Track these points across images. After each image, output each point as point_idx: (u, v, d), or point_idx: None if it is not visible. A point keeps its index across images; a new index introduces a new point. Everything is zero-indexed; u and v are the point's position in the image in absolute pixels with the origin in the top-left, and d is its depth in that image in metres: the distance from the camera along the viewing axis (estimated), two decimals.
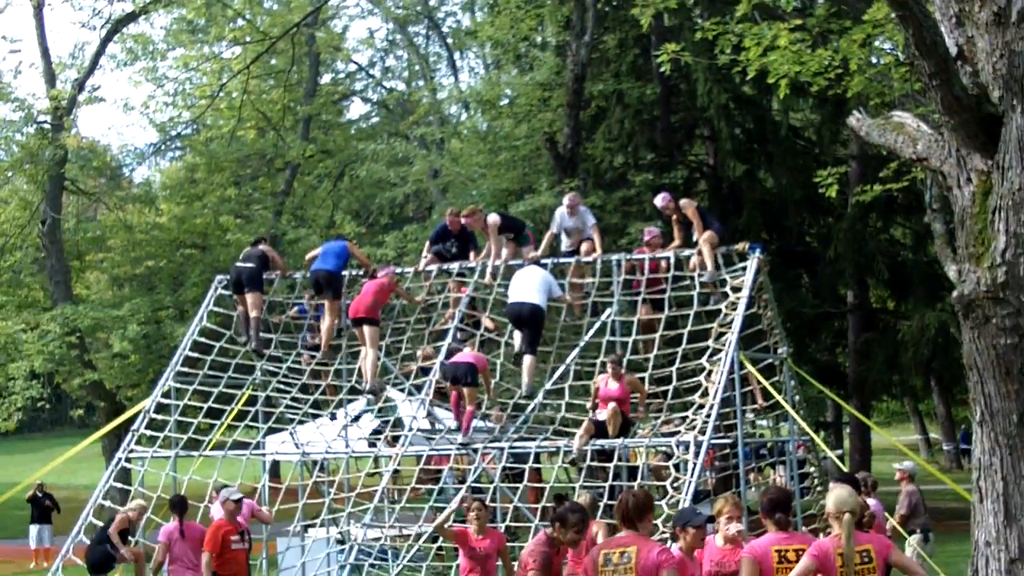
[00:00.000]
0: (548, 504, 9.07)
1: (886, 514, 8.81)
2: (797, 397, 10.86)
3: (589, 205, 12.96)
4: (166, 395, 11.08)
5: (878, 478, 10.04)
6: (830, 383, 16.53)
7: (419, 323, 11.43)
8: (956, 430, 28.57)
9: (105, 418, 18.04)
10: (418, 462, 10.82)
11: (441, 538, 8.82)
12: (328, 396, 11.44)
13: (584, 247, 10.89)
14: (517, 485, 10.01)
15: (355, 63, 29.20)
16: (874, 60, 10.61)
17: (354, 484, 11.00)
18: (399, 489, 10.99)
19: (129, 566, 10.13)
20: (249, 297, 11.13)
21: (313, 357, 11.28)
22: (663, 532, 7.78)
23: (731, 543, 5.25)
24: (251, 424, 11.55)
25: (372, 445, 11.46)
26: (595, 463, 9.58)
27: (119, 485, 11.06)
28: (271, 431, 11.87)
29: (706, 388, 9.51)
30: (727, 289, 10.00)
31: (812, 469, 11.38)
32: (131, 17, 20.93)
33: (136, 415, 11.20)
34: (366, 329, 10.46)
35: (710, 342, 9.77)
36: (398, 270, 11.59)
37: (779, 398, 10.13)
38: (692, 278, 10.33)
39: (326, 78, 26.92)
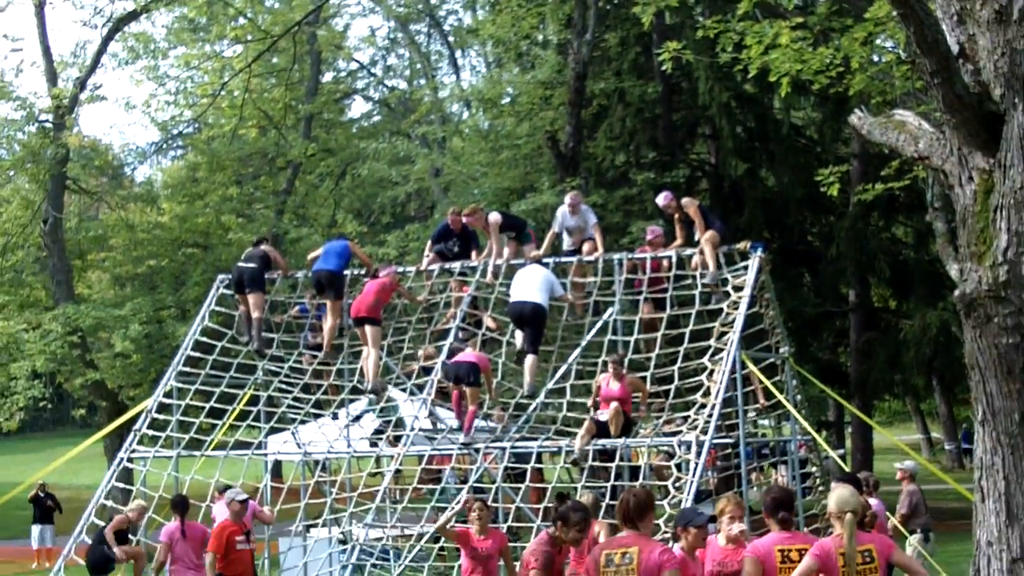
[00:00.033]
0: (550, 504, 9.07)
1: (887, 513, 8.80)
2: (799, 396, 10.88)
3: (591, 204, 12.95)
4: (168, 395, 11.08)
5: (880, 478, 10.03)
6: (832, 382, 16.52)
7: (421, 323, 11.43)
8: (958, 429, 28.57)
9: (107, 418, 18.07)
10: (420, 462, 10.82)
11: (443, 538, 8.82)
12: (330, 396, 11.45)
13: (586, 246, 10.88)
14: (519, 485, 10.01)
15: (357, 61, 29.21)
16: (875, 58, 10.61)
17: (356, 484, 11.00)
18: (401, 489, 11.00)
19: (129, 565, 10.14)
20: (251, 297, 11.13)
21: (315, 357, 11.28)
22: (665, 532, 7.77)
23: (734, 543, 5.24)
24: (253, 424, 11.55)
25: (374, 445, 11.47)
26: (597, 463, 9.57)
27: (121, 485, 11.10)
28: (273, 431, 11.88)
29: (708, 387, 9.52)
30: (729, 288, 10.00)
31: (814, 469, 11.38)
32: (132, 16, 20.93)
33: (138, 415, 11.21)
34: (368, 329, 10.46)
35: (712, 341, 9.78)
36: (400, 269, 11.59)
37: (781, 397, 10.14)
38: (694, 277, 10.32)
39: (328, 76, 26.90)
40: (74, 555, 10.19)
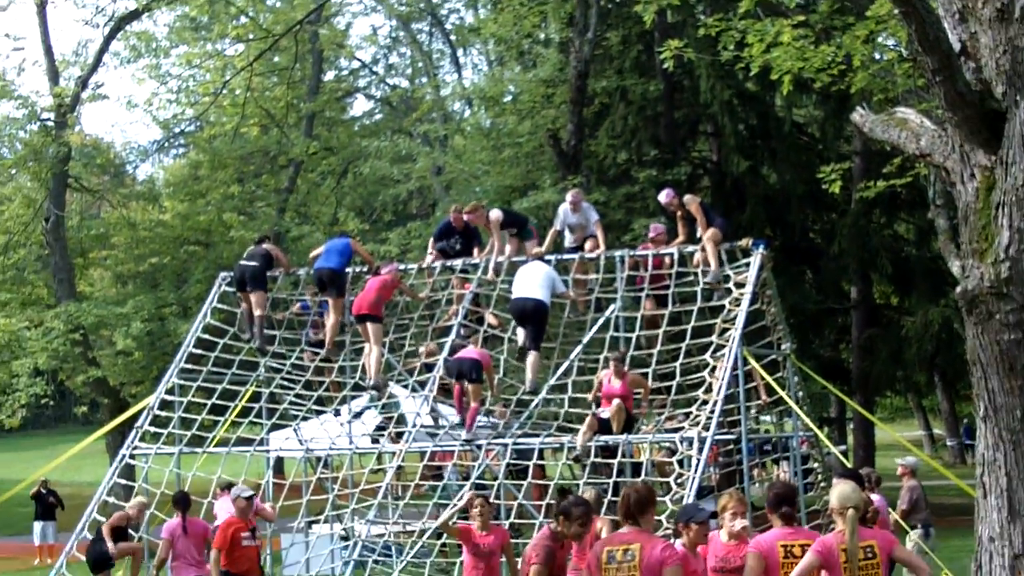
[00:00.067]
0: (552, 501, 9.08)
1: (889, 509, 8.82)
2: (801, 393, 10.91)
3: (592, 201, 12.97)
4: (170, 392, 11.11)
5: (882, 474, 10.04)
6: (834, 379, 16.50)
7: (423, 320, 11.45)
8: (959, 425, 28.61)
9: (109, 415, 18.14)
10: (422, 458, 10.84)
11: (445, 535, 8.84)
12: (332, 393, 11.47)
13: (588, 244, 10.91)
14: (521, 482, 10.05)
15: (358, 60, 29.24)
16: (877, 56, 10.62)
17: (358, 480, 11.06)
18: (403, 485, 11.02)
19: (127, 561, 10.13)
20: (253, 296, 11.16)
21: (316, 354, 11.30)
22: (667, 528, 7.79)
23: (736, 539, 5.23)
24: (255, 421, 11.60)
25: (376, 441, 11.49)
26: (599, 459, 9.59)
27: (123, 482, 11.07)
28: (275, 428, 11.92)
29: (710, 384, 9.55)
30: (731, 285, 10.02)
31: (816, 465, 11.39)
32: (134, 15, 20.98)
33: (140, 412, 11.23)
34: (369, 326, 10.48)
35: (714, 338, 9.81)
36: (401, 267, 11.60)
37: (783, 394, 10.16)
38: (696, 274, 10.35)
39: (329, 75, 26.93)
40: (76, 551, 10.22)
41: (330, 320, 10.99)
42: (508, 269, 10.75)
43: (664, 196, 11.01)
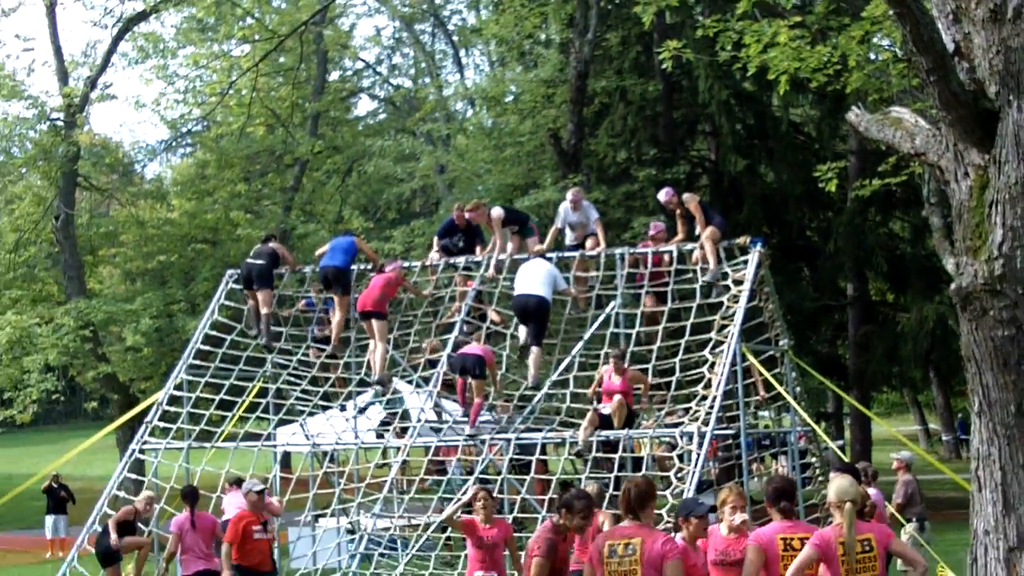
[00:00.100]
0: (554, 495, 9.20)
1: (886, 503, 8.93)
2: (798, 388, 10.96)
3: (593, 200, 13.09)
4: (178, 387, 11.22)
5: (878, 468, 10.14)
6: (831, 374, 16.64)
7: (426, 316, 11.52)
8: (954, 421, 28.70)
9: (119, 410, 18.25)
10: (426, 453, 10.99)
11: (450, 528, 8.97)
12: (337, 388, 11.62)
13: (588, 242, 11.02)
14: (524, 476, 10.09)
15: (362, 60, 29.40)
16: (872, 56, 10.69)
17: (364, 475, 11.12)
18: (408, 480, 11.14)
19: (133, 555, 10.22)
20: (260, 294, 11.27)
21: (321, 350, 11.40)
22: (667, 522, 7.85)
23: (736, 532, 5.23)
24: (262, 416, 11.69)
25: (381, 437, 11.63)
26: (600, 454, 9.67)
27: (133, 476, 11.19)
28: (282, 423, 12.01)
29: (709, 379, 9.60)
30: (729, 282, 10.12)
31: (813, 459, 11.50)
32: (142, 16, 21.14)
33: (149, 407, 11.36)
34: (374, 323, 10.59)
35: (713, 334, 9.87)
36: (405, 264, 11.70)
37: (781, 389, 10.24)
38: (695, 271, 10.46)
39: (334, 75, 27.09)
40: (87, 545, 10.22)
41: (336, 317, 11.14)
42: (510, 267, 10.83)
43: (663, 195, 11.12)
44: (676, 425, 9.64)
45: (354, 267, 11.34)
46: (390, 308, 11.09)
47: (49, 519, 16.75)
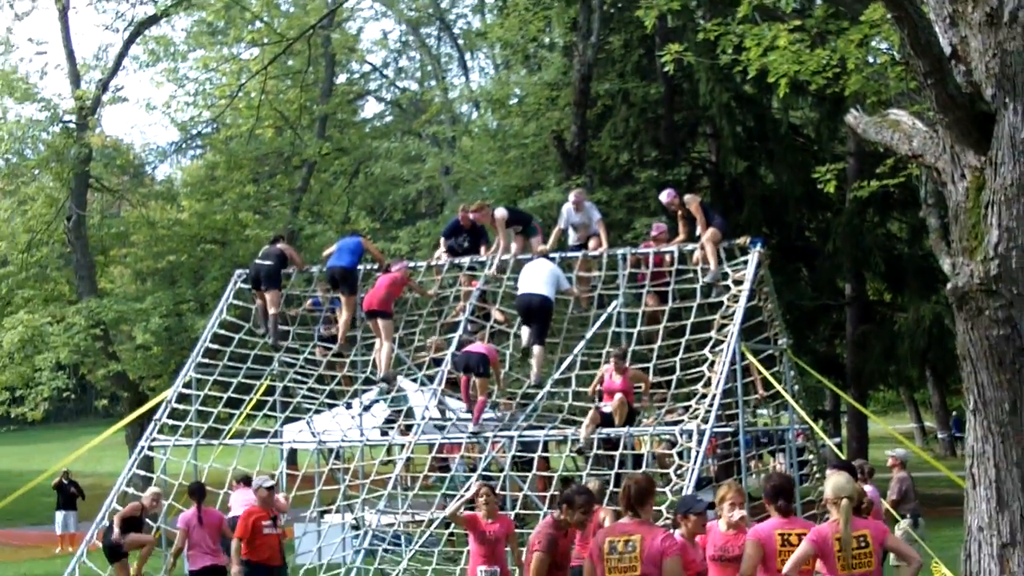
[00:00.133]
0: (556, 492, 9.30)
1: (882, 500, 9.04)
2: (796, 387, 11.04)
3: (595, 201, 13.21)
4: (187, 385, 11.36)
5: (875, 465, 10.23)
6: (829, 373, 16.72)
7: (431, 316, 11.63)
8: (950, 419, 28.75)
9: (128, 408, 18.41)
10: (430, 450, 11.12)
11: (453, 524, 9.08)
12: (343, 386, 11.77)
13: (591, 242, 11.15)
14: (526, 473, 10.18)
15: (369, 64, 29.56)
16: (871, 60, 10.74)
17: (368, 472, 11.20)
18: (412, 476, 11.27)
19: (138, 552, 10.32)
20: (268, 294, 11.41)
21: (328, 349, 11.54)
22: (666, 518, 7.94)
23: (734, 529, 5.28)
24: (269, 414, 11.80)
25: (385, 434, 11.78)
26: (601, 451, 9.76)
27: (142, 473, 11.32)
28: (288, 420, 12.16)
29: (708, 378, 9.70)
30: (729, 282, 10.23)
31: (811, 457, 11.60)
32: (153, 20, 21.35)
33: (158, 405, 11.52)
34: (380, 322, 10.72)
35: (712, 333, 9.98)
36: (411, 264, 11.83)
37: (779, 388, 10.34)
38: (695, 271, 10.59)
39: (341, 78, 27.25)
40: (96, 540, 10.31)
41: (342, 316, 11.29)
42: (514, 267, 10.95)
43: (665, 196, 11.26)
44: (676, 423, 9.73)
45: (360, 267, 11.46)
46: (396, 307, 11.22)
47: (59, 515, 16.89)
